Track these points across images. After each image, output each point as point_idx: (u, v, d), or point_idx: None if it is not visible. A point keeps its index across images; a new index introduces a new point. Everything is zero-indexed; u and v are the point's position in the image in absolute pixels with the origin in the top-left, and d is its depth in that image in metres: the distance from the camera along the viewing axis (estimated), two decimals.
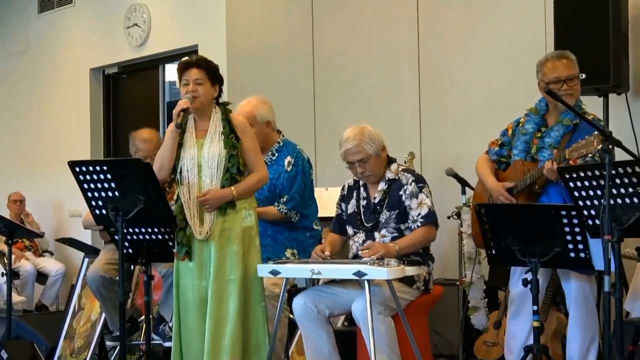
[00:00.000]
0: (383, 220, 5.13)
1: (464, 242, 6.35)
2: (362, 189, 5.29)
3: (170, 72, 9.65)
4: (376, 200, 5.18)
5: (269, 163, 5.62)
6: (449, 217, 6.50)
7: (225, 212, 4.99)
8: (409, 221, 5.10)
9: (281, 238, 5.67)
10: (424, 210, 5.08)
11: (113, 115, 10.33)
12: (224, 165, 4.98)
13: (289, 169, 5.66)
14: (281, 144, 5.78)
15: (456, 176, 6.57)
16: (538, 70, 4.96)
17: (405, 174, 5.20)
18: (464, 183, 6.55)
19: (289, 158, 5.69)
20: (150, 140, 6.09)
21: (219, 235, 4.99)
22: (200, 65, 5.05)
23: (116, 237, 4.90)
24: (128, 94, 10.24)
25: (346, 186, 5.41)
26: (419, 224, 5.08)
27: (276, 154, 5.74)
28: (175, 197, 5.13)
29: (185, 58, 5.17)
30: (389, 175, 5.19)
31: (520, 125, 5.05)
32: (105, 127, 10.32)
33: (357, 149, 5.09)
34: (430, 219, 5.10)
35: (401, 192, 5.12)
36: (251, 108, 5.68)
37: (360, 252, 5.03)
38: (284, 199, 5.64)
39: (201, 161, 5.00)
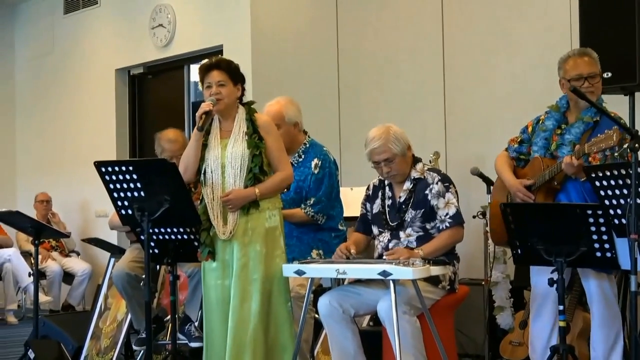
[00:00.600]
0: (408, 220, 5.12)
1: (489, 241, 6.32)
2: (387, 188, 5.28)
3: (195, 72, 9.64)
4: (401, 200, 5.17)
5: (295, 164, 5.62)
6: (474, 217, 6.47)
7: (248, 212, 4.98)
8: (436, 221, 5.09)
9: (307, 239, 5.66)
10: (452, 211, 5.07)
11: (138, 116, 10.38)
12: (247, 165, 4.98)
13: (316, 172, 5.65)
14: (308, 145, 5.77)
15: (481, 175, 6.54)
16: (560, 68, 4.94)
17: (431, 173, 5.19)
18: (489, 182, 6.51)
19: (315, 160, 5.68)
20: (176, 140, 6.11)
21: (242, 235, 4.98)
22: (220, 66, 5.05)
23: (142, 237, 4.92)
24: (153, 94, 10.28)
25: (371, 186, 5.40)
26: (447, 224, 5.06)
27: (303, 156, 5.73)
28: (200, 197, 5.14)
29: (205, 61, 5.18)
30: (415, 174, 5.18)
31: (540, 122, 5.04)
32: (130, 128, 10.37)
33: (383, 149, 5.08)
34: (458, 219, 5.09)
35: (427, 191, 5.11)
36: (280, 108, 5.67)
37: (385, 256, 5.02)
38: (311, 202, 5.63)
39: (225, 161, 5.00)
